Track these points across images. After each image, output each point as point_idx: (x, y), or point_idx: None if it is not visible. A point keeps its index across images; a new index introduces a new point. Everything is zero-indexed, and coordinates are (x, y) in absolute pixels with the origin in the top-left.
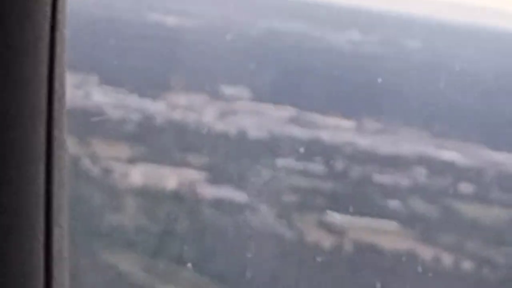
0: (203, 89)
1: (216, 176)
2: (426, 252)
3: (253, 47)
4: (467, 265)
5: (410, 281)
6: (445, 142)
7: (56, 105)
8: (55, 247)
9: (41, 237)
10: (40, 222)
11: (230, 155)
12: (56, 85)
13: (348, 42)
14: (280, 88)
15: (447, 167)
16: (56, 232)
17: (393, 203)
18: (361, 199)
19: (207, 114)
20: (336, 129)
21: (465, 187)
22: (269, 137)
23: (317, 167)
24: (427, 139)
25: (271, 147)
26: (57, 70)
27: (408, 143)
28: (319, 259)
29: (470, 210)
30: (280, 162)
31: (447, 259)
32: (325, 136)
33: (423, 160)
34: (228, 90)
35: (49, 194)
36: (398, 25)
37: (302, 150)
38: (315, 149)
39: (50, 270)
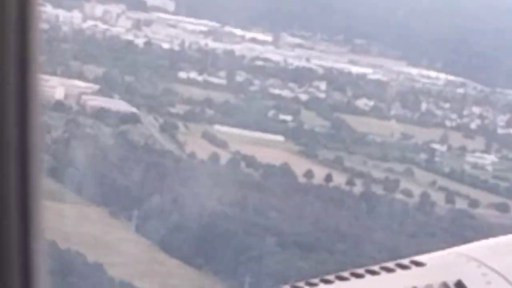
0: None
1: (108, 88)
2: (301, 167)
3: None
4: (339, 179)
5: (274, 194)
6: (364, 57)
7: (30, 109)
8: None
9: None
10: None
11: (131, 67)
12: (30, 89)
13: None
14: (206, 1)
15: (353, 82)
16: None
17: (285, 117)
18: (253, 112)
19: (120, 25)
20: (253, 43)
21: (365, 103)
22: (179, 49)
23: (218, 80)
24: (346, 54)
25: (178, 59)
26: (30, 75)
27: (322, 58)
28: (188, 171)
29: (363, 125)
30: (182, 74)
31: (320, 174)
32: (238, 50)
33: (331, 75)
34: (150, 0)
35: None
36: None
37: (209, 62)
38: (223, 63)
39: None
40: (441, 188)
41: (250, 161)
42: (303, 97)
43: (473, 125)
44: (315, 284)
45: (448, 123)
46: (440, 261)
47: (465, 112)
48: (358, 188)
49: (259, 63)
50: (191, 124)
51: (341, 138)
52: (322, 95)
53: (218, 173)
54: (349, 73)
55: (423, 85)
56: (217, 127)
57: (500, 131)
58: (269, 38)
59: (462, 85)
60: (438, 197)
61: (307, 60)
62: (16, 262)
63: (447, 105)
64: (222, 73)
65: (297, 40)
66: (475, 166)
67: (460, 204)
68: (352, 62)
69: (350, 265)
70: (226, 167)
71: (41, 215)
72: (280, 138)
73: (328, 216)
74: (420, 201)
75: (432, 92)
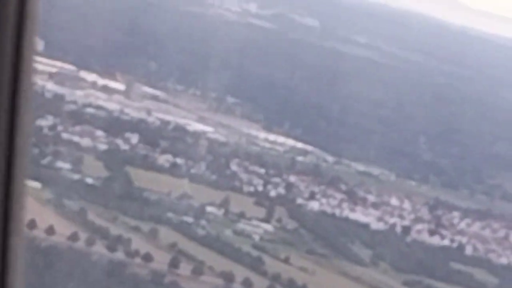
0: None
1: None
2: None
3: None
4: (64, 232)
5: None
6: (219, 117)
7: (21, 102)
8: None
9: None
10: None
11: None
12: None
13: (241, 13)
14: (79, 43)
15: (175, 138)
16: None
17: (62, 165)
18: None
19: None
20: (101, 91)
21: (167, 159)
22: None
23: None
24: (203, 111)
25: None
26: (23, 78)
27: (170, 112)
28: None
29: (147, 181)
30: None
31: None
32: (71, 94)
33: (154, 129)
34: None
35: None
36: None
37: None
38: (43, 107)
39: None
40: (180, 252)
41: None
42: (102, 147)
43: (273, 193)
44: None
45: (246, 188)
46: None
47: (274, 180)
48: (79, 244)
49: (89, 110)
50: None
51: (110, 191)
52: (126, 147)
53: None
54: (184, 130)
55: (261, 150)
56: None
57: (299, 201)
58: (122, 86)
59: (307, 153)
60: (164, 259)
61: (148, 113)
62: None
63: (261, 171)
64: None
65: (157, 92)
66: (240, 233)
67: (185, 268)
68: (201, 120)
69: None
70: None
71: (22, 214)
72: (36, 184)
73: None
74: (136, 262)
75: (263, 157)
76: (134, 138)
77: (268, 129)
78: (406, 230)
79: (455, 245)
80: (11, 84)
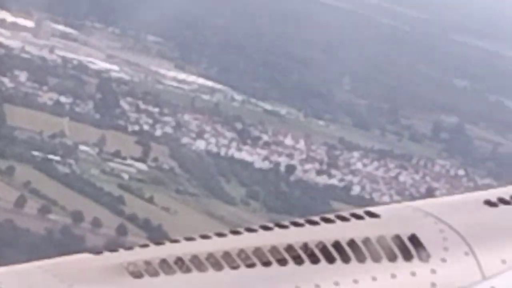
0: None
1: None
2: None
3: None
4: None
5: None
6: (131, 56)
7: None
8: None
9: None
10: None
11: None
12: None
13: None
14: None
15: (72, 76)
16: None
17: None
18: None
19: None
20: (6, 28)
21: (51, 97)
22: None
23: None
24: (111, 50)
25: None
26: None
27: (76, 51)
28: None
29: (23, 119)
30: None
31: None
32: None
33: (51, 67)
34: None
35: None
36: None
37: None
38: None
39: None
40: (32, 191)
41: None
42: None
43: (158, 132)
44: (270, 228)
45: (131, 127)
46: (396, 214)
47: (164, 119)
48: None
49: None
50: None
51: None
52: (11, 85)
53: None
54: (85, 68)
55: (164, 88)
56: None
57: (185, 140)
58: (31, 23)
59: (215, 92)
60: (11, 198)
61: (51, 50)
62: None
63: (155, 110)
64: None
65: (70, 30)
66: (108, 172)
67: (31, 207)
68: (109, 58)
69: None
70: None
71: None
72: None
73: None
74: None
75: (163, 95)
76: (23, 76)
77: (181, 68)
78: (291, 169)
79: (342, 184)
80: None
